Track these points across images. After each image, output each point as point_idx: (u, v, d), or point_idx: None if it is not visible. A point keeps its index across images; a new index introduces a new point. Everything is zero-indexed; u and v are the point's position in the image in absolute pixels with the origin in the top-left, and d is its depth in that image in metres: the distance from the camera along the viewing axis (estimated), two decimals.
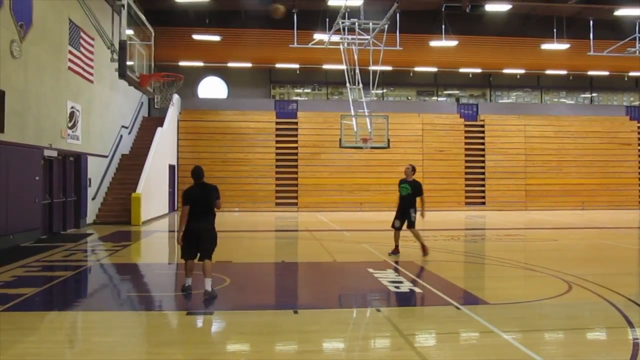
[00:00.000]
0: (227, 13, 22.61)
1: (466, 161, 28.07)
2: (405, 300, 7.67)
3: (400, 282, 8.53)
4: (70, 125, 16.57)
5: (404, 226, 11.38)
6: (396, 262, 10.57)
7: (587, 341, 5.96)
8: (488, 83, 31.99)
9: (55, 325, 6.55)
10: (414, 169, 11.76)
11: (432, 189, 27.40)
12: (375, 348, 5.73)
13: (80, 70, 17.36)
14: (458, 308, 6.99)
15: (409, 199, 11.36)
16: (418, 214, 11.38)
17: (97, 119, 19.25)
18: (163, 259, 13.10)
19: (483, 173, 28.09)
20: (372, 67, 19.62)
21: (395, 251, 11.38)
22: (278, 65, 29.22)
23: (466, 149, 28.26)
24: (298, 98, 30.55)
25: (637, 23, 21.32)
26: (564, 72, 30.59)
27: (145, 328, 6.48)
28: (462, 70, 29.98)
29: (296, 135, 27.58)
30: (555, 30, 22.93)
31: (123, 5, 10.88)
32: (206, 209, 7.68)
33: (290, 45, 21.57)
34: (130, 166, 21.38)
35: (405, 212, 11.31)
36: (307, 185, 27.09)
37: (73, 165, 17.08)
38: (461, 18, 21.76)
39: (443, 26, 22.07)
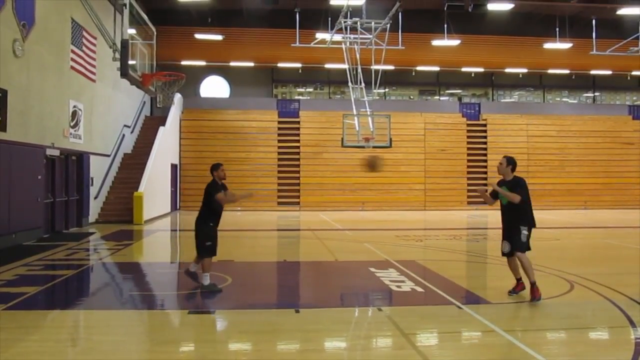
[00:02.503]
0: (229, 12, 22.63)
1: (468, 160, 28.04)
2: (407, 299, 7.66)
3: (402, 282, 8.52)
4: (72, 124, 16.60)
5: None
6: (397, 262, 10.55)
7: (589, 340, 5.94)
8: (490, 82, 31.95)
9: (57, 323, 6.56)
10: (509, 162, 7.72)
11: (434, 189, 27.47)
12: (377, 347, 5.72)
13: (83, 70, 17.38)
14: (460, 307, 6.99)
15: (512, 210, 7.51)
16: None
17: (99, 118, 19.28)
18: (165, 258, 13.11)
19: (485, 172, 28.04)
20: (374, 67, 19.60)
21: (517, 288, 7.62)
22: (280, 65, 29.24)
23: (468, 149, 28.22)
24: (300, 97, 30.56)
25: None
26: (566, 72, 30.56)
27: (147, 327, 6.49)
28: (464, 69, 29.97)
29: (298, 135, 27.57)
30: (557, 29, 22.90)
31: (125, 5, 10.88)
32: (202, 203, 8.04)
33: (293, 45, 21.59)
34: (133, 165, 21.40)
35: (511, 228, 7.51)
36: (309, 184, 27.09)
37: (75, 164, 17.11)
38: (463, 17, 21.75)
39: (445, 25, 22.06)
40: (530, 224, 7.41)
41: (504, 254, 7.67)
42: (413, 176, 27.57)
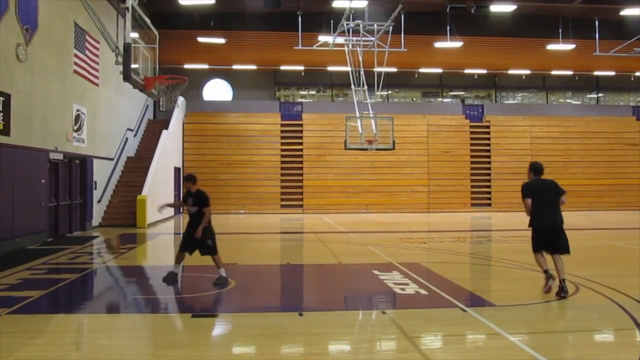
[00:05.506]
0: (232, 15, 22.67)
1: (472, 162, 28.00)
2: (411, 302, 7.64)
3: (406, 284, 8.49)
4: (75, 128, 16.63)
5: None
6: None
7: (595, 343, 5.91)
8: (493, 84, 31.92)
9: (60, 328, 6.55)
10: (531, 168, 8.14)
11: (438, 191, 27.42)
12: (381, 351, 5.70)
13: (86, 74, 17.42)
14: (464, 310, 6.95)
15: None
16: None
17: (102, 122, 19.31)
18: (168, 261, 13.06)
19: (489, 174, 28.00)
20: (377, 69, 19.61)
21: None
22: (283, 67, 29.27)
23: (472, 150, 28.18)
24: (303, 100, 30.58)
25: None
26: (569, 73, 30.52)
27: (150, 330, 6.48)
28: (467, 71, 29.95)
29: (301, 137, 27.57)
30: (560, 30, 22.87)
31: (127, 8, 10.89)
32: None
33: (295, 47, 21.60)
34: (136, 169, 21.43)
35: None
36: (312, 187, 27.07)
37: (79, 168, 17.14)
38: (466, 19, 21.73)
39: (448, 27, 22.05)
40: (536, 224, 7.92)
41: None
42: (416, 178, 27.53)
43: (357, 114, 20.22)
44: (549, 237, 7.84)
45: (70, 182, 16.56)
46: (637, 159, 28.80)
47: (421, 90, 31.90)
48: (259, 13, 22.21)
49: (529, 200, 7.84)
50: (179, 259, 8.82)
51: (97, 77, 18.36)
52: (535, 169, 8.15)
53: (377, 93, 20.74)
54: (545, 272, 7.85)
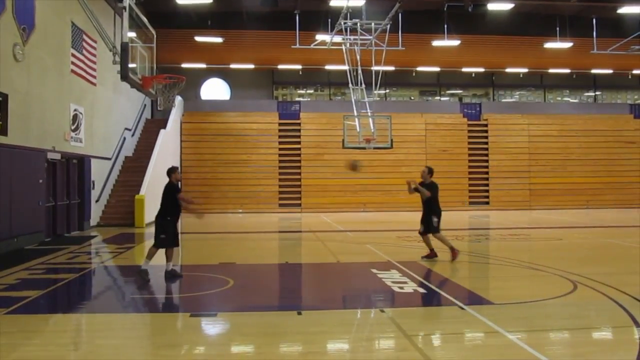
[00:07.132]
0: (229, 14, 22.63)
1: (470, 161, 28.01)
2: (409, 300, 7.65)
3: (404, 283, 8.50)
4: (73, 127, 16.61)
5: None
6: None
7: (593, 341, 5.92)
8: (491, 82, 31.94)
9: (59, 327, 6.54)
10: (430, 171, 11.55)
11: None
12: (380, 349, 5.70)
13: (83, 73, 17.39)
14: (462, 308, 6.96)
15: (425, 204, 11.11)
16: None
17: (100, 122, 19.28)
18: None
19: (487, 172, 28.02)
20: (374, 68, 19.60)
21: (430, 255, 10.95)
22: (280, 66, 29.26)
23: (469, 149, 28.19)
24: (301, 99, 30.57)
25: None
26: (567, 71, 30.57)
27: (149, 330, 6.48)
28: (464, 69, 29.97)
29: (299, 136, 27.57)
30: (558, 28, 22.88)
31: (125, 8, 10.88)
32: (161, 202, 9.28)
33: (293, 46, 21.59)
34: (134, 168, 21.40)
35: (426, 216, 11.00)
36: (310, 186, 27.07)
37: (76, 167, 17.11)
38: (463, 17, 21.74)
39: (445, 26, 22.06)
40: (439, 213, 10.73)
41: (419, 233, 11.02)
42: (414, 177, 27.40)
43: (355, 113, 20.21)
44: None
45: (68, 182, 16.54)
46: (635, 157, 28.86)
47: (419, 89, 31.92)
48: (256, 12, 22.18)
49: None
50: (152, 254, 9.21)
51: (94, 77, 18.34)
52: (433, 172, 11.38)
53: (375, 92, 20.73)
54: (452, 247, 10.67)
